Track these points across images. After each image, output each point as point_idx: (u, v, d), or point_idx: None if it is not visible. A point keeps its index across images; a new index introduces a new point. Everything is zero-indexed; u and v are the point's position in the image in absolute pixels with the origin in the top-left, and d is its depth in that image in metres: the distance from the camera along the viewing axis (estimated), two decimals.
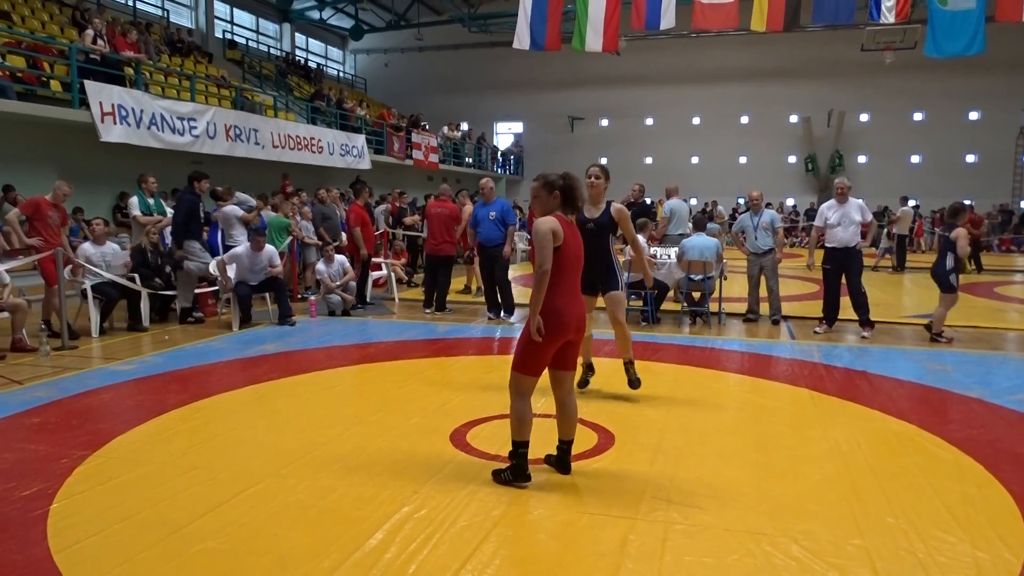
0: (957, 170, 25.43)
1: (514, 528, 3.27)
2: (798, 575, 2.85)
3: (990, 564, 2.94)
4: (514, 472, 3.72)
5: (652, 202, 15.39)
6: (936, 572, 2.87)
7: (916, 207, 16.11)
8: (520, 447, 3.71)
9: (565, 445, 3.90)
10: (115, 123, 11.32)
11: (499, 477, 3.76)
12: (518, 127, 31.07)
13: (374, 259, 11.17)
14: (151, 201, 9.76)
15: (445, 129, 25.56)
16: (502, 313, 9.09)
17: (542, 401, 4.69)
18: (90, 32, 12.20)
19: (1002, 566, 2.92)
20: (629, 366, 5.42)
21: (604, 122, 29.38)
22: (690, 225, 10.36)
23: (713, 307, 9.06)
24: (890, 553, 3.03)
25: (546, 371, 3.79)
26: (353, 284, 9.75)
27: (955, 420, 4.89)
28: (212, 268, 9.12)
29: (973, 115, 25.47)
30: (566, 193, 3.74)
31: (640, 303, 9.01)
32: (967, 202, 18.14)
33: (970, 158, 25.58)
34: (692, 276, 8.70)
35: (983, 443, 4.39)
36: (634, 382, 5.37)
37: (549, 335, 3.59)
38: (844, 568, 2.90)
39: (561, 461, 3.91)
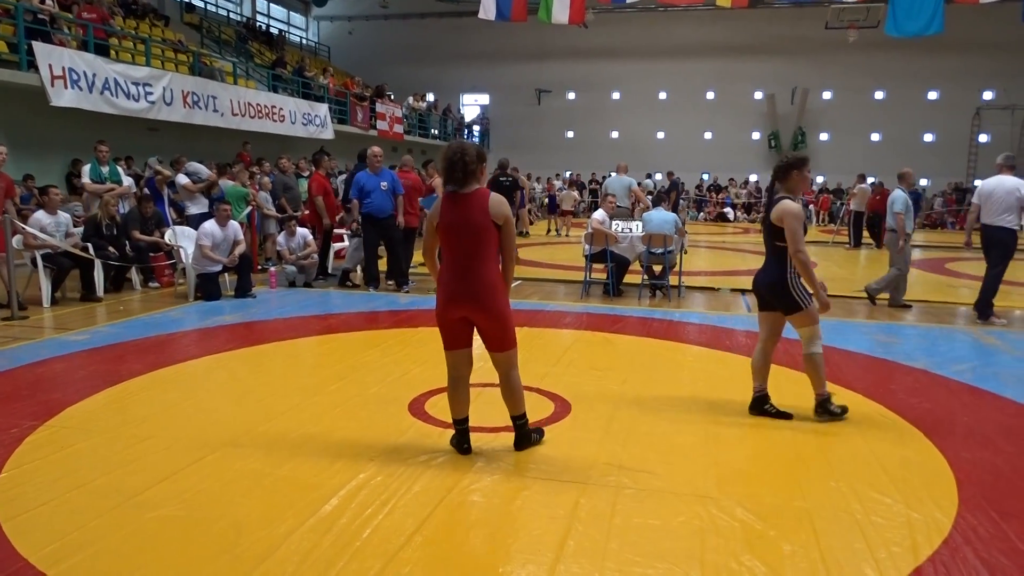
0: (915, 149, 25.95)
1: (469, 493, 3.33)
2: (741, 535, 2.96)
3: (922, 523, 3.08)
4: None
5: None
6: (871, 531, 3.01)
7: (873, 184, 16.44)
8: (456, 424, 3.84)
9: (514, 420, 3.82)
10: (66, 87, 10.95)
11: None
12: (484, 99, 30.83)
13: (336, 230, 11.07)
14: (105, 169, 9.54)
15: (410, 100, 25.25)
16: (403, 286, 9.07)
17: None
18: None
19: (933, 525, 3.07)
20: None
21: (571, 95, 29.31)
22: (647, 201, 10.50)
23: (673, 280, 9.18)
24: (829, 514, 3.15)
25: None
26: (315, 257, 9.65)
27: (899, 390, 5.06)
28: (168, 237, 8.97)
29: (932, 95, 25.96)
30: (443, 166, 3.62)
31: (604, 276, 9.09)
32: (871, 179, 18.11)
33: (928, 137, 26.13)
34: (652, 250, 8.80)
35: (924, 411, 4.57)
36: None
37: (437, 308, 3.70)
38: (785, 528, 3.02)
39: (516, 437, 3.86)
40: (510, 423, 3.90)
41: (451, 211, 3.56)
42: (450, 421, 4.20)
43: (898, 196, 8.30)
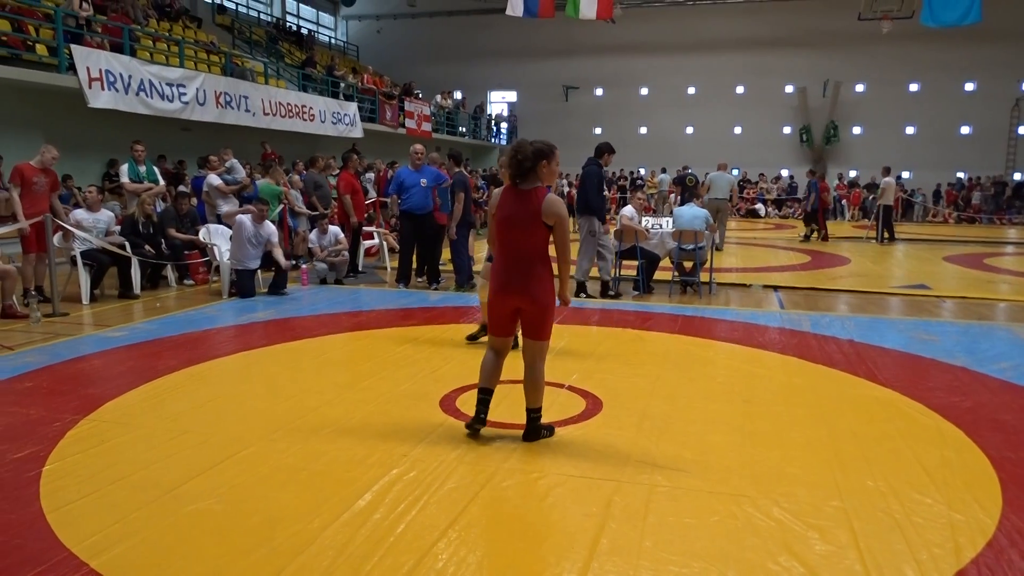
0: (951, 141, 25.39)
1: (502, 490, 3.33)
2: (778, 535, 2.91)
3: (965, 525, 3.01)
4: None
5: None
6: (912, 532, 2.94)
7: (898, 178, 16.12)
8: (480, 393, 3.95)
9: (528, 412, 3.93)
10: (103, 89, 11.18)
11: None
12: (512, 96, 30.79)
13: (366, 228, 11.16)
14: (142, 168, 9.71)
15: (438, 98, 25.32)
16: (434, 283, 9.12)
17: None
18: None
19: (976, 527, 3.00)
20: None
21: (599, 91, 29.16)
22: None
23: (704, 277, 9.09)
24: (868, 514, 3.10)
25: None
26: (346, 254, 9.73)
27: (939, 387, 4.96)
28: (202, 235, 9.10)
29: (969, 86, 25.35)
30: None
31: (633, 272, 9.04)
32: (906, 174, 17.86)
33: (965, 130, 25.52)
34: (683, 246, 8.72)
35: (964, 409, 4.47)
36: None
37: (489, 295, 3.85)
38: (823, 528, 2.97)
39: (526, 429, 3.94)
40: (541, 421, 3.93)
41: (507, 205, 3.74)
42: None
43: None
